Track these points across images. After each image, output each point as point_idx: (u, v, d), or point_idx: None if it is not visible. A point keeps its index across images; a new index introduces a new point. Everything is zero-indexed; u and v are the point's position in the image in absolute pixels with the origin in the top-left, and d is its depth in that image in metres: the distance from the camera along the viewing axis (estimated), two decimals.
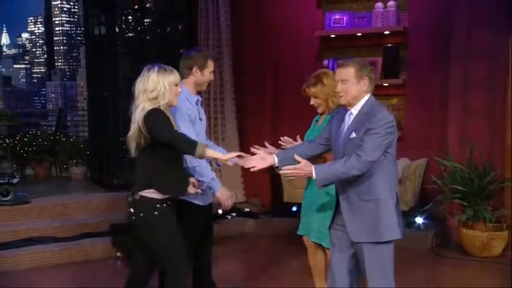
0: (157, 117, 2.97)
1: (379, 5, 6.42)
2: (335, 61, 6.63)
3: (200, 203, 3.50)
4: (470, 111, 5.84)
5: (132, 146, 3.07)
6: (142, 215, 3.04)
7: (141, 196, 3.04)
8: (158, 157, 3.04)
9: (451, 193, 5.52)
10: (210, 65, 3.70)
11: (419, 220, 5.82)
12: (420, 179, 6.05)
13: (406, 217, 5.75)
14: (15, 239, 5.38)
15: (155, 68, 3.05)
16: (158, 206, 3.03)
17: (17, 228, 5.52)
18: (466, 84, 5.84)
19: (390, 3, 6.36)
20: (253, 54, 6.80)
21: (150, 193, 3.04)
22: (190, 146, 2.94)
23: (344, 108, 3.10)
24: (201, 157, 3.01)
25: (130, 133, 3.06)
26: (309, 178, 3.67)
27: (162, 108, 3.04)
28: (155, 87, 3.00)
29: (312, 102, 3.71)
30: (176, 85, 3.10)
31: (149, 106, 2.99)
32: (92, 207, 6.17)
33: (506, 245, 5.41)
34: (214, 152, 3.10)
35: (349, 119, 3.03)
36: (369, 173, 2.90)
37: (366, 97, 3.01)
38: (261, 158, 3.02)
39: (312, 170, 2.85)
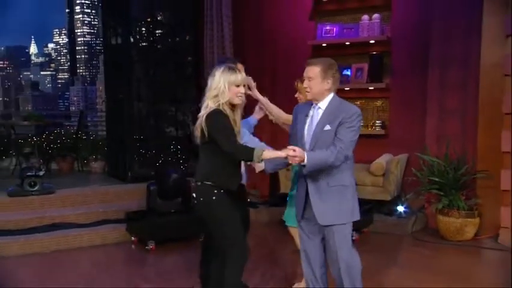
0: (216, 123, 2.87)
1: (365, 17, 6.45)
2: None
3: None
4: (445, 112, 5.88)
5: (197, 135, 2.98)
6: (202, 199, 2.99)
7: (202, 183, 2.97)
8: (216, 154, 2.93)
9: (429, 184, 5.55)
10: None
11: (400, 208, 5.84)
12: (402, 172, 6.07)
13: (389, 205, 5.90)
14: (41, 224, 5.39)
15: (221, 68, 2.96)
16: (215, 191, 2.95)
17: (43, 215, 5.54)
18: (442, 87, 5.89)
19: (375, 16, 6.40)
20: (253, 60, 6.77)
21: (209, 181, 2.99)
22: (248, 155, 2.87)
23: (307, 104, 3.14)
24: (260, 161, 2.91)
25: (197, 124, 2.97)
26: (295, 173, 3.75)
27: (225, 107, 2.92)
28: (216, 86, 2.91)
29: (297, 95, 3.79)
30: (237, 86, 2.94)
31: (212, 104, 2.91)
32: (109, 197, 6.18)
33: (477, 230, 5.42)
34: (273, 152, 2.94)
35: (318, 114, 3.03)
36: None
37: (331, 95, 3.02)
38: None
39: (305, 156, 2.82)
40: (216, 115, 2.87)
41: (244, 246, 3.05)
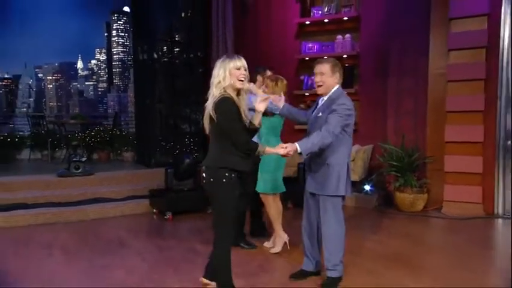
0: (225, 114, 2.52)
1: (339, 37, 6.48)
2: (308, 76, 6.69)
3: None
4: (402, 111, 5.92)
5: (206, 125, 2.62)
6: (212, 180, 2.59)
7: (214, 166, 2.60)
8: (226, 140, 2.57)
9: (389, 168, 5.59)
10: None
11: (367, 187, 5.84)
12: (368, 158, 6.08)
13: (358, 185, 5.86)
14: (84, 198, 5.45)
15: (222, 58, 2.64)
16: (227, 174, 2.56)
17: (85, 191, 5.59)
18: (398, 92, 5.92)
19: (347, 36, 6.43)
20: (251, 71, 6.85)
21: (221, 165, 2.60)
22: (252, 149, 2.62)
23: (319, 97, 3.06)
24: (260, 155, 2.76)
25: (205, 115, 2.61)
26: None
27: (229, 91, 2.57)
28: (218, 73, 2.57)
29: (262, 89, 3.83)
30: (238, 69, 2.57)
31: (216, 91, 2.56)
32: (136, 178, 6.20)
33: (426, 203, 5.45)
34: (272, 149, 2.77)
35: (321, 103, 2.99)
36: (332, 144, 2.84)
37: (336, 87, 2.96)
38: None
39: (297, 146, 2.73)
40: (224, 103, 2.52)
41: (233, 228, 2.75)
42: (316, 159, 2.93)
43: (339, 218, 3.00)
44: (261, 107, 2.66)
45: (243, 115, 2.61)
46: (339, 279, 3.05)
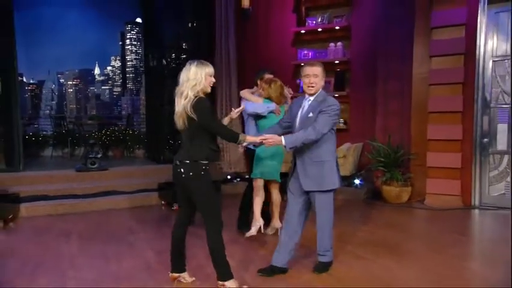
0: (203, 109, 2.51)
1: (332, 45, 6.48)
2: (302, 80, 6.72)
3: None
4: (389, 112, 5.90)
5: (179, 122, 2.58)
6: (191, 174, 2.54)
7: (191, 161, 2.55)
8: (202, 136, 2.57)
9: (377, 163, 5.59)
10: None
11: (356, 181, 5.86)
12: (358, 155, 6.09)
13: (348, 179, 5.85)
14: (98, 191, 5.46)
15: (195, 62, 2.59)
16: (204, 167, 2.56)
17: (100, 184, 5.61)
18: (386, 95, 5.91)
19: (339, 44, 6.42)
20: (250, 77, 6.85)
21: (198, 159, 2.58)
22: (234, 138, 2.66)
23: (300, 98, 2.98)
24: (242, 143, 2.70)
25: (177, 112, 2.57)
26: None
27: (201, 95, 2.56)
28: (195, 77, 2.53)
29: (259, 91, 3.87)
30: (210, 76, 2.61)
31: (191, 93, 2.52)
32: (146, 173, 6.22)
33: (410, 196, 5.46)
34: (253, 138, 2.82)
35: (307, 104, 2.89)
36: (319, 142, 2.79)
37: (321, 90, 2.89)
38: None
39: (282, 139, 2.72)
40: (202, 103, 2.53)
41: (220, 217, 2.65)
42: (310, 158, 2.84)
43: (333, 208, 2.98)
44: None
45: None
46: (330, 263, 3.06)
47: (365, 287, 2.81)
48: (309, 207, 3.02)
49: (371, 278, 2.97)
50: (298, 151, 2.88)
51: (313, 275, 3.00)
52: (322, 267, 3.02)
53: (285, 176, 3.94)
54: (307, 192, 2.92)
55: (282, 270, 3.00)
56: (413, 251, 3.58)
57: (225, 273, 2.61)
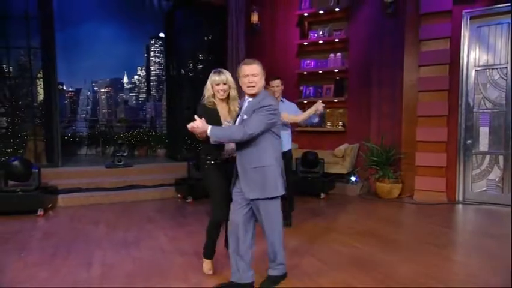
0: (197, 112, 2.51)
1: (332, 55, 6.47)
2: (306, 87, 6.72)
3: None
4: (382, 116, 5.90)
5: None
6: (200, 168, 2.69)
7: (199, 157, 2.69)
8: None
9: (371, 162, 5.58)
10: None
11: (352, 178, 5.85)
12: (355, 154, 6.08)
13: (346, 176, 5.86)
14: (124, 185, 5.56)
15: (212, 72, 2.60)
16: (207, 162, 2.62)
17: (125, 179, 5.69)
18: (379, 100, 5.90)
19: (338, 54, 6.41)
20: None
21: (202, 154, 2.65)
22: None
23: (242, 100, 2.51)
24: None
25: None
26: None
27: (211, 100, 2.57)
28: (206, 86, 2.60)
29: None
30: (217, 84, 2.54)
31: (202, 100, 2.60)
32: (166, 170, 6.25)
33: (400, 192, 5.45)
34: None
35: (245, 105, 2.42)
36: (258, 146, 2.31)
37: (263, 89, 2.40)
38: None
39: (208, 128, 2.24)
40: (198, 107, 2.61)
41: (220, 209, 2.56)
42: (250, 163, 2.34)
43: (280, 217, 2.45)
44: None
45: (221, 118, 2.57)
46: (281, 277, 2.56)
47: (348, 270, 2.84)
48: (255, 217, 2.47)
49: (355, 262, 3.00)
50: (239, 156, 2.40)
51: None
52: (271, 282, 2.51)
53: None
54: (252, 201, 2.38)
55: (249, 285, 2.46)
56: (398, 241, 3.58)
57: (205, 254, 2.76)
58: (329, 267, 2.91)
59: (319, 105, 3.58)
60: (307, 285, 2.58)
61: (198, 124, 2.24)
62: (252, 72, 2.33)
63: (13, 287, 2.60)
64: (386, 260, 3.04)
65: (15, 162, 4.60)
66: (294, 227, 3.95)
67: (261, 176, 2.32)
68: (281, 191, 2.35)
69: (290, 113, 3.86)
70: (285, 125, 3.85)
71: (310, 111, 3.66)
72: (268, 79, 4.08)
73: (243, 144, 2.33)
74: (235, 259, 2.43)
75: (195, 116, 2.32)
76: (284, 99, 4.03)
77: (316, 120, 3.85)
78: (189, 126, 2.25)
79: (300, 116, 3.81)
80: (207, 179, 2.65)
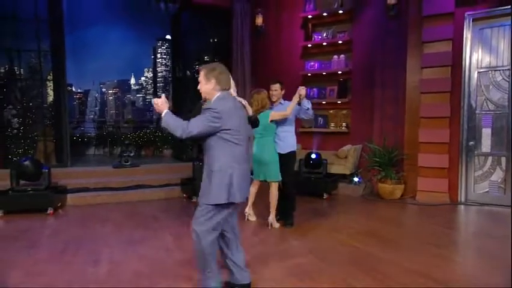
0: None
1: (335, 57, 6.48)
2: (310, 89, 6.67)
3: None
4: (385, 117, 5.88)
5: None
6: None
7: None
8: None
9: (373, 163, 5.58)
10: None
11: (355, 179, 5.84)
12: (358, 155, 6.07)
13: (349, 177, 5.85)
14: (130, 185, 5.61)
15: None
16: None
17: (132, 179, 5.73)
18: (382, 101, 5.89)
19: (342, 56, 6.42)
20: (264, 87, 6.96)
21: None
22: None
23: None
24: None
25: None
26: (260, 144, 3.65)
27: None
28: None
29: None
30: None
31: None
32: (172, 170, 6.30)
33: (403, 192, 5.45)
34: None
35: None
36: (209, 152, 2.24)
37: (218, 93, 2.29)
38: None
39: (164, 111, 2.22)
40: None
41: None
42: (206, 164, 2.29)
43: (210, 228, 2.26)
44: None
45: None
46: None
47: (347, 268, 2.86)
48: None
49: (355, 261, 3.02)
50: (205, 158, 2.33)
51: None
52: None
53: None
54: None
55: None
56: (399, 241, 3.58)
57: None
58: (329, 266, 2.93)
59: (301, 91, 3.68)
60: (308, 285, 2.62)
61: (160, 101, 2.24)
62: (199, 79, 2.35)
63: (23, 282, 2.67)
64: (386, 260, 3.06)
65: (26, 163, 4.70)
66: (296, 227, 3.98)
67: (208, 182, 2.23)
68: (220, 199, 2.18)
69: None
70: (285, 125, 3.87)
71: (294, 99, 3.73)
72: (269, 82, 4.18)
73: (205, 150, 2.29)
74: (229, 263, 2.42)
75: (162, 94, 2.32)
76: (284, 102, 4.02)
77: (309, 106, 3.82)
78: (154, 99, 2.27)
79: (288, 109, 3.83)
80: None
